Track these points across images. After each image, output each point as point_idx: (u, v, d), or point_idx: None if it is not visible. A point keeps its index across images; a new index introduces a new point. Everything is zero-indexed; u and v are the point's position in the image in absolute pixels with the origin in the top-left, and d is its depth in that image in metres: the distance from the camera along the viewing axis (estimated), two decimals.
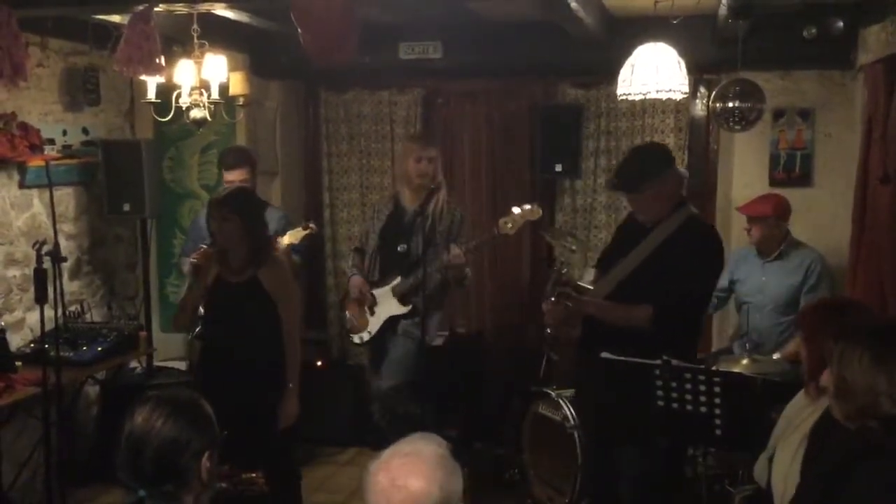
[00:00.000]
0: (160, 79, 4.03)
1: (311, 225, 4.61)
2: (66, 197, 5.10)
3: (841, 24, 4.62)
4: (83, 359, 4.51)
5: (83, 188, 5.22)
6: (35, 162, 4.69)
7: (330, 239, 6.19)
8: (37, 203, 4.84)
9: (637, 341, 3.37)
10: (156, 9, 3.70)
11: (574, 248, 4.85)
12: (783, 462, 2.59)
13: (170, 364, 5.40)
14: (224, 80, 4.21)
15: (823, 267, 4.58)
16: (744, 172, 5.31)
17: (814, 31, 4.69)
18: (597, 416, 3.74)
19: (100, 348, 4.58)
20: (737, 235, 5.03)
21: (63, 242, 4.81)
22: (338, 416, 5.59)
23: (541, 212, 4.42)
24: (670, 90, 4.21)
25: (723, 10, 4.30)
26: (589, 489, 4.12)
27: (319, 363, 5.62)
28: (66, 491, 4.35)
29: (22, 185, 4.73)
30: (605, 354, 3.50)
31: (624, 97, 4.35)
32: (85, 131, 5.16)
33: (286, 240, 4.45)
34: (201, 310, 4.05)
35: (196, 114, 4.11)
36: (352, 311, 4.74)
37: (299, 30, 3.52)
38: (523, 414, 4.72)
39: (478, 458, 5.14)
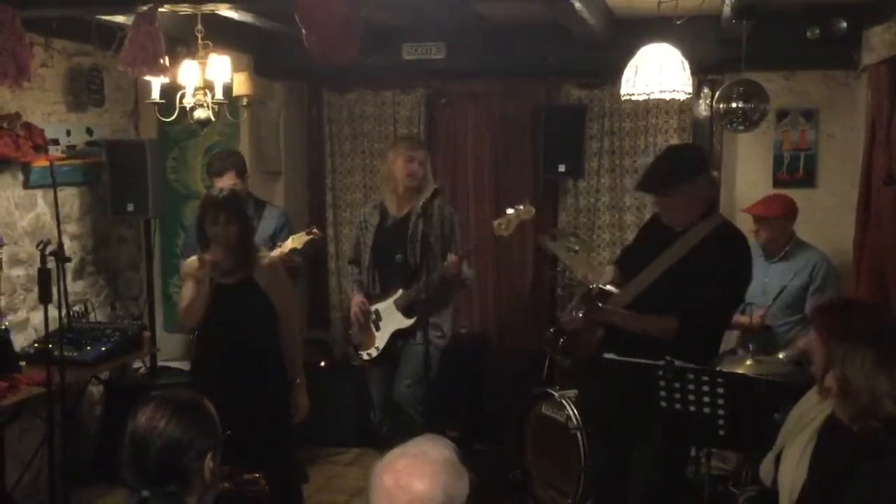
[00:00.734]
0: (164, 79, 4.03)
1: (315, 230, 4.58)
2: (70, 197, 5.11)
3: (845, 24, 4.62)
4: (87, 359, 4.52)
5: (87, 188, 5.23)
6: (39, 162, 4.70)
7: (333, 239, 6.19)
8: (41, 203, 4.85)
9: (658, 346, 3.29)
10: (160, 9, 3.71)
11: (577, 248, 4.84)
12: (791, 459, 2.59)
13: (173, 364, 5.41)
14: (228, 80, 4.21)
15: (829, 267, 4.57)
16: (747, 173, 5.30)
17: (817, 31, 4.69)
18: (602, 416, 3.72)
19: (103, 348, 4.59)
20: None
21: (67, 242, 4.81)
22: (340, 417, 5.59)
23: (533, 210, 4.33)
24: (674, 91, 4.20)
25: (727, 11, 4.30)
26: (593, 490, 4.11)
27: (322, 364, 5.62)
28: (69, 491, 4.36)
29: (26, 186, 4.74)
30: (608, 355, 3.50)
31: (627, 97, 4.34)
32: (89, 131, 5.17)
33: (289, 244, 4.43)
34: None
35: (200, 114, 4.11)
36: (357, 327, 4.62)
37: (303, 30, 3.52)
38: (526, 415, 4.72)
39: (480, 460, 5.14)
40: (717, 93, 4.65)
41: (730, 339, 5.32)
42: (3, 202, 4.62)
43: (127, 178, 5.07)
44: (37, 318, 4.70)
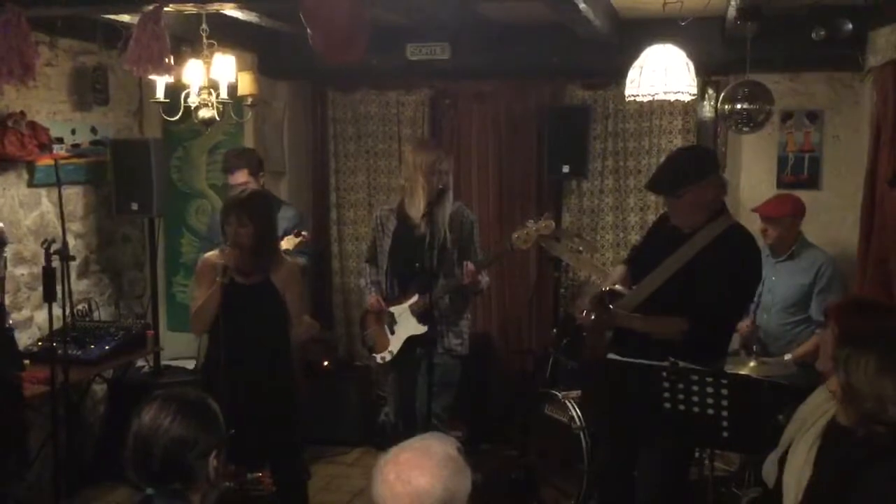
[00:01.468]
0: (169, 78, 4.03)
1: (304, 233, 4.62)
2: (75, 196, 5.12)
3: (850, 26, 4.61)
4: (91, 357, 4.53)
5: (91, 187, 5.24)
6: (44, 161, 4.71)
7: (336, 239, 6.20)
8: (45, 202, 4.86)
9: (667, 347, 3.28)
10: (165, 9, 3.71)
11: (581, 249, 4.85)
12: (796, 461, 2.58)
13: (177, 363, 5.43)
14: (232, 79, 4.22)
15: (834, 269, 4.56)
16: (752, 174, 5.30)
17: (823, 33, 4.67)
18: (606, 417, 3.72)
19: (107, 347, 4.60)
20: None
21: (71, 241, 4.83)
22: (344, 417, 5.60)
23: (553, 224, 4.30)
24: (678, 92, 4.20)
25: (732, 12, 4.29)
26: (596, 491, 4.11)
27: (325, 363, 5.62)
28: (73, 489, 4.36)
29: (31, 184, 4.75)
30: (611, 356, 3.49)
31: (632, 98, 4.34)
32: (93, 130, 5.18)
33: (283, 244, 4.45)
34: None
35: (204, 113, 4.11)
36: (372, 329, 4.60)
37: (308, 29, 3.52)
38: (530, 415, 4.72)
39: (484, 460, 5.14)
40: (722, 94, 4.64)
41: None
42: (8, 201, 4.63)
43: (131, 177, 5.08)
44: (41, 316, 4.71)
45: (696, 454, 3.65)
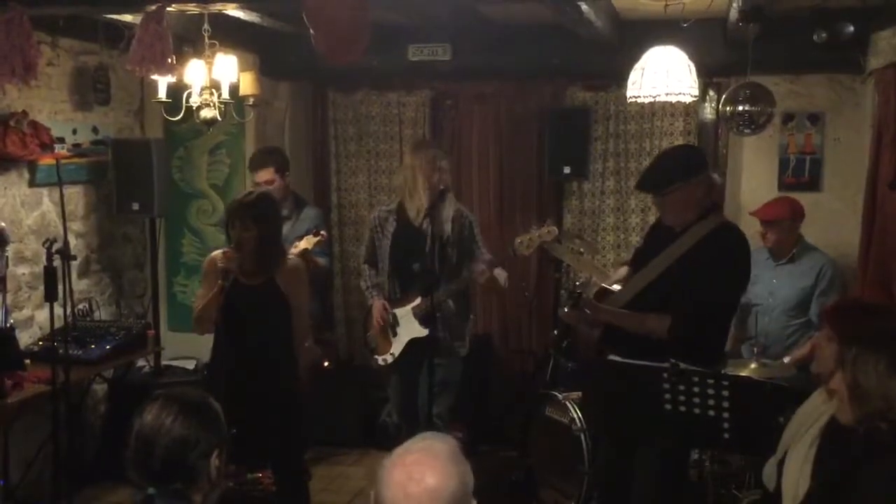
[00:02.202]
0: (171, 78, 4.04)
1: (322, 233, 4.62)
2: (76, 195, 5.12)
3: (851, 28, 4.61)
4: (91, 357, 4.53)
5: (93, 187, 5.24)
6: (45, 160, 4.71)
7: (337, 240, 6.19)
8: (46, 201, 4.86)
9: (660, 346, 3.30)
10: (168, 9, 3.71)
11: (582, 250, 4.85)
12: (795, 462, 2.59)
13: (177, 363, 5.43)
14: (234, 80, 4.22)
15: (835, 271, 4.57)
16: (753, 176, 5.30)
17: (824, 35, 4.68)
18: (606, 418, 3.72)
19: (108, 346, 4.60)
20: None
21: (72, 241, 4.83)
22: (344, 417, 5.60)
23: (556, 231, 4.31)
24: (680, 93, 4.20)
25: (733, 14, 4.29)
26: (596, 492, 4.11)
27: (326, 364, 5.62)
28: (73, 488, 4.36)
29: (32, 184, 4.75)
30: (612, 357, 3.50)
31: (633, 100, 4.35)
32: (95, 130, 5.18)
33: (302, 244, 4.44)
34: None
35: (206, 114, 4.11)
36: (375, 331, 4.59)
37: (310, 29, 3.52)
38: (530, 417, 4.72)
39: (484, 461, 5.14)
40: (724, 96, 4.65)
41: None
42: (10, 200, 4.63)
43: (132, 176, 5.09)
44: (42, 315, 4.71)
45: (696, 455, 3.65)
